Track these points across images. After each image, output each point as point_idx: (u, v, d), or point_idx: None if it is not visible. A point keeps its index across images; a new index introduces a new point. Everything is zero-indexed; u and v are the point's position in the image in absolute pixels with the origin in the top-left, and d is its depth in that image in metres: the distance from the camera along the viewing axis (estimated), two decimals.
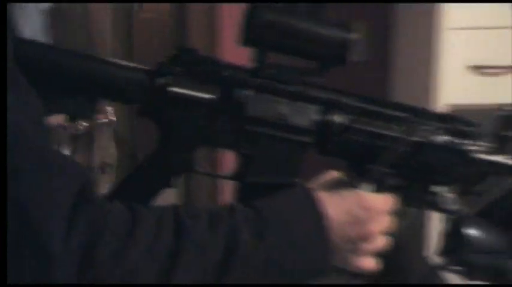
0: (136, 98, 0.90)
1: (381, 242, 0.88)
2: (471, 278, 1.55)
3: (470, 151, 0.91)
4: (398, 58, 2.17)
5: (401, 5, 2.14)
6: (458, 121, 0.93)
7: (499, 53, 1.79)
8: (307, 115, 0.88)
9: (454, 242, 1.65)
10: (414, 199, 0.94)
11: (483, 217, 1.62)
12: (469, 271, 1.57)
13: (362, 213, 0.83)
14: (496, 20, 1.79)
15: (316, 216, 0.80)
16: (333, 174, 0.89)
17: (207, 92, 0.88)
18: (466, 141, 0.91)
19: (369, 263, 0.87)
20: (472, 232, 1.62)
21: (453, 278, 1.57)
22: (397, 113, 0.91)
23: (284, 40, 0.88)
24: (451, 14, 1.76)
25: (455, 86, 1.79)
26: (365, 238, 0.85)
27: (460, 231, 1.61)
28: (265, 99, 0.88)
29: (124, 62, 0.92)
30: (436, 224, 1.70)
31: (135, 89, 0.88)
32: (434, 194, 0.94)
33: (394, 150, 0.86)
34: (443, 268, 1.62)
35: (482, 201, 1.53)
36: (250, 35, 0.88)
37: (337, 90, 0.92)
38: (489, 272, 1.54)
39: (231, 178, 0.92)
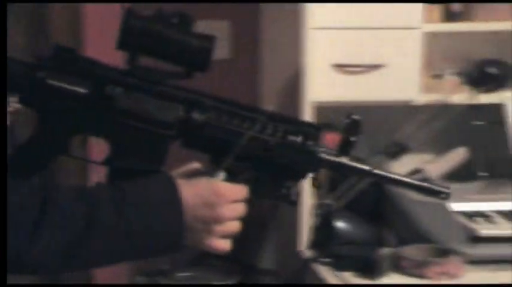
0: (18, 88, 0.97)
1: (232, 226, 0.95)
2: (340, 269, 1.62)
3: (318, 152, 1.00)
4: (266, 56, 2.21)
5: (266, 5, 2.18)
6: (308, 125, 1.03)
7: (360, 52, 1.87)
8: (170, 112, 0.99)
9: (323, 235, 1.72)
10: (267, 191, 1.02)
11: (349, 211, 1.70)
12: (338, 262, 1.64)
13: (213, 198, 0.93)
14: (358, 21, 1.86)
15: (172, 198, 0.91)
16: (194, 164, 1.00)
17: (82, 86, 0.98)
18: (312, 143, 1.00)
19: (220, 243, 0.95)
20: (341, 224, 1.69)
21: (323, 270, 1.63)
22: (251, 114, 1.00)
23: (154, 46, 0.98)
24: (315, 14, 1.81)
25: (321, 84, 1.85)
26: (216, 220, 0.93)
27: (330, 224, 1.68)
28: (134, 97, 0.99)
29: (9, 55, 0.98)
30: (307, 218, 1.75)
31: (17, 80, 0.96)
32: (286, 188, 1.01)
33: (246, 146, 0.97)
34: (314, 260, 1.68)
35: (347, 196, 1.59)
36: (124, 40, 0.97)
37: (199, 92, 1.02)
38: (356, 262, 1.61)
39: (102, 163, 1.00)
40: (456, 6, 2.00)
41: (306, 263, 1.64)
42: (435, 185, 1.03)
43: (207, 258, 1.87)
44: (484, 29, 2.01)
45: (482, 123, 1.92)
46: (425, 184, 1.03)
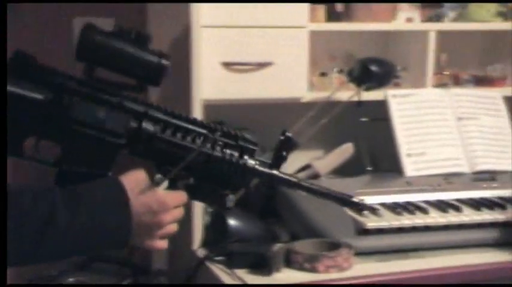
0: None
1: (170, 228, 1.07)
2: (233, 267, 1.62)
3: (252, 165, 1.11)
4: None
5: (152, 4, 2.15)
6: (246, 140, 1.14)
7: (249, 50, 1.88)
8: (121, 122, 1.05)
9: (216, 233, 1.72)
10: (205, 197, 1.14)
11: (242, 208, 1.71)
12: (231, 259, 1.64)
13: (157, 206, 1.03)
14: (246, 19, 1.87)
15: (122, 206, 1.00)
16: (140, 171, 1.06)
17: (39, 93, 1.02)
18: (247, 157, 1.12)
19: (159, 244, 1.07)
20: (233, 222, 1.70)
21: (217, 268, 1.63)
22: (195, 128, 1.09)
23: (111, 60, 1.05)
24: (202, 12, 1.81)
25: (210, 82, 1.84)
26: (158, 225, 1.05)
27: (223, 222, 1.68)
28: (89, 106, 1.04)
29: None
30: (199, 217, 1.74)
31: None
32: (222, 195, 1.11)
33: (188, 157, 1.05)
34: (207, 259, 1.68)
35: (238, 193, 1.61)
36: (82, 52, 1.03)
37: (149, 104, 1.09)
38: (250, 259, 1.62)
39: (53, 164, 1.06)
40: (339, 7, 2.06)
41: (199, 262, 1.63)
42: (353, 197, 1.18)
43: (96, 262, 1.82)
44: (365, 29, 2.09)
45: (366, 119, 1.99)
46: (345, 196, 1.17)
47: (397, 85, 2.07)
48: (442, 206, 1.75)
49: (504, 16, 2.19)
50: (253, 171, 1.11)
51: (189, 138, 1.08)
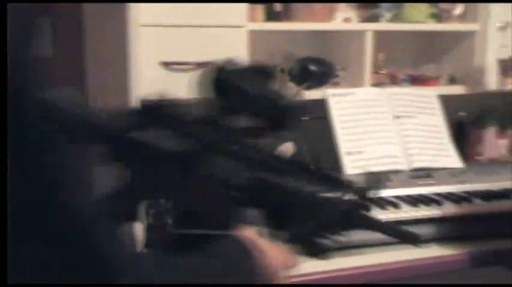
0: (109, 142, 0.92)
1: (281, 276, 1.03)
2: None
3: (355, 209, 1.05)
4: (92, 54, 2.14)
5: (89, 3, 2.11)
6: (336, 180, 1.07)
7: (188, 49, 1.87)
8: (243, 174, 0.95)
9: (157, 235, 1.70)
10: (304, 245, 1.05)
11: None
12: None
13: (280, 266, 0.99)
14: (184, 19, 1.87)
15: (249, 267, 0.94)
16: (252, 230, 0.98)
17: (175, 146, 0.93)
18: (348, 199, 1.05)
19: None
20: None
21: None
22: (301, 172, 1.01)
23: (245, 103, 0.94)
24: (141, 11, 1.79)
25: (149, 82, 1.83)
26: (274, 282, 1.00)
27: (163, 223, 1.66)
28: (214, 159, 0.94)
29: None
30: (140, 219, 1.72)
31: (108, 137, 0.91)
32: (325, 239, 1.06)
33: (302, 205, 0.98)
34: None
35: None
36: (216, 97, 0.94)
37: (260, 151, 0.99)
38: None
39: (170, 229, 0.98)
40: (278, 6, 2.07)
41: None
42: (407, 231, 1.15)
43: None
44: (304, 29, 2.10)
45: (306, 118, 2.00)
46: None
47: (336, 84, 2.10)
48: (381, 203, 1.78)
49: (437, 17, 2.25)
50: (355, 214, 1.07)
51: (297, 183, 0.99)
